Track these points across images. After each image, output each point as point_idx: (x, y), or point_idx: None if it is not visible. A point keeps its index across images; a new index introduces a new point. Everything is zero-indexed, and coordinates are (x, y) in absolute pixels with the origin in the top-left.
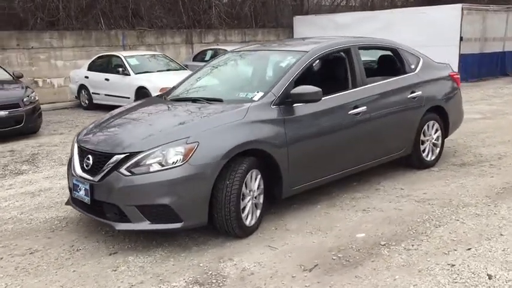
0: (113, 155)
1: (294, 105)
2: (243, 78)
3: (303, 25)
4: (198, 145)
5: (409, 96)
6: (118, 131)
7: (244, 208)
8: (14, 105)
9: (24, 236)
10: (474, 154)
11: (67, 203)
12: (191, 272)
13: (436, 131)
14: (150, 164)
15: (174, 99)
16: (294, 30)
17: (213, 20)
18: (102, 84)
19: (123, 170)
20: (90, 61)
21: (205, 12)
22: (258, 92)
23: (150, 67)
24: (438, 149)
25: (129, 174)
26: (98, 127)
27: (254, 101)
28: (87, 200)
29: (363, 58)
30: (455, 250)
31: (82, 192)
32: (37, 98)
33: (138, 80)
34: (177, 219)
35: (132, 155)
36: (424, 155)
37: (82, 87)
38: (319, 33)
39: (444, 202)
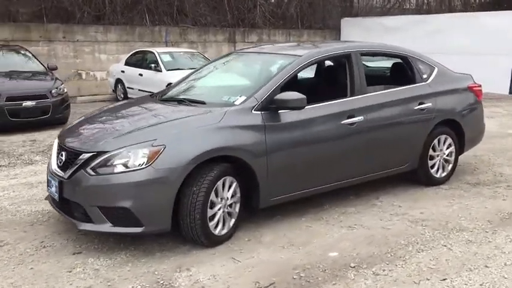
0: (81, 153)
1: (280, 111)
2: (232, 81)
3: (351, 27)
4: (164, 148)
5: (416, 108)
6: (92, 129)
7: (213, 216)
8: (42, 96)
9: (3, 227)
10: (494, 173)
11: (46, 198)
12: (142, 280)
13: (449, 146)
14: (115, 165)
15: (163, 99)
16: (341, 32)
17: (257, 20)
18: (136, 79)
19: (88, 169)
20: (127, 56)
21: (250, 11)
22: (240, 96)
23: (183, 64)
24: (450, 165)
25: (94, 174)
26: (79, 123)
27: (235, 105)
28: (56, 196)
29: (378, 65)
30: (428, 280)
31: (53, 189)
32: (65, 90)
33: (167, 77)
34: (137, 223)
35: (98, 154)
36: (432, 171)
37: (118, 81)
38: (367, 36)
39: (439, 224)
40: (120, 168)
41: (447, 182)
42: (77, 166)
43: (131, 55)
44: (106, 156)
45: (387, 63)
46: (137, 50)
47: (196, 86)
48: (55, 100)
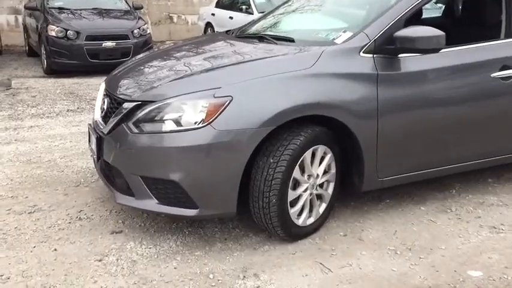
0: (124, 101)
1: (400, 55)
2: (334, 12)
3: None
4: (230, 101)
5: None
6: (145, 71)
7: (297, 200)
8: (123, 36)
9: (44, 187)
10: None
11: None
12: (191, 286)
13: None
14: (164, 121)
15: (240, 36)
16: None
17: None
18: (226, 22)
19: (131, 123)
20: None
21: None
22: (344, 32)
23: None
24: None
25: (137, 131)
26: (133, 64)
27: (335, 43)
28: (95, 156)
29: None
30: None
31: (93, 145)
32: (149, 31)
33: None
34: (190, 203)
35: (144, 104)
36: None
37: (208, 24)
38: None
39: None
40: (169, 126)
41: None
42: (117, 119)
43: None
44: (152, 107)
45: None
46: None
47: (285, 20)
48: (137, 41)
